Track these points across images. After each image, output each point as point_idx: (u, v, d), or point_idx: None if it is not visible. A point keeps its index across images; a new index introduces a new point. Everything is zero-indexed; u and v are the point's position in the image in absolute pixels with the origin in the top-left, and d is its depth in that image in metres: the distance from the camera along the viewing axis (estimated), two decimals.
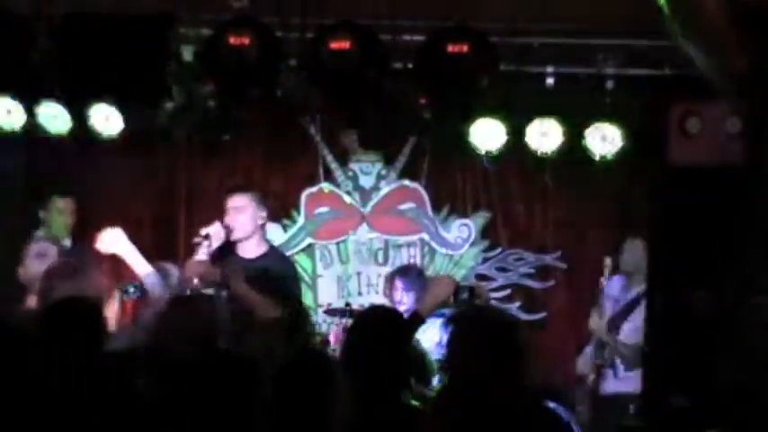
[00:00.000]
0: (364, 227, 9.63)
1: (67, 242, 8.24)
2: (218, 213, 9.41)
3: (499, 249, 9.59)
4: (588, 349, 8.58)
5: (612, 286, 8.43)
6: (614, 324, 8.28)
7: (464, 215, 9.60)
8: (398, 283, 8.24)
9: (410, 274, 8.40)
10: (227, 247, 7.18)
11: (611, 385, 8.34)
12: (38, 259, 6.80)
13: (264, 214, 7.27)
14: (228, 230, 7.12)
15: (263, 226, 7.29)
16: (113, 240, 6.73)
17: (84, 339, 4.68)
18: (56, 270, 6.05)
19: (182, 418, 4.28)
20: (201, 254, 7.00)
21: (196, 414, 4.26)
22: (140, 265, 6.61)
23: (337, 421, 3.97)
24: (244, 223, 7.16)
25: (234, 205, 7.19)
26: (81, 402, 4.20)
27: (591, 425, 8.50)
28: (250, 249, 7.18)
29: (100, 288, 5.96)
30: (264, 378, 4.30)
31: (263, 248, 7.24)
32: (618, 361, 8.30)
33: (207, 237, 7.06)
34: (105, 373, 4.22)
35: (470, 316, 4.27)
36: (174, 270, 7.05)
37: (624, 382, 8.22)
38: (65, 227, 8.31)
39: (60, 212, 8.28)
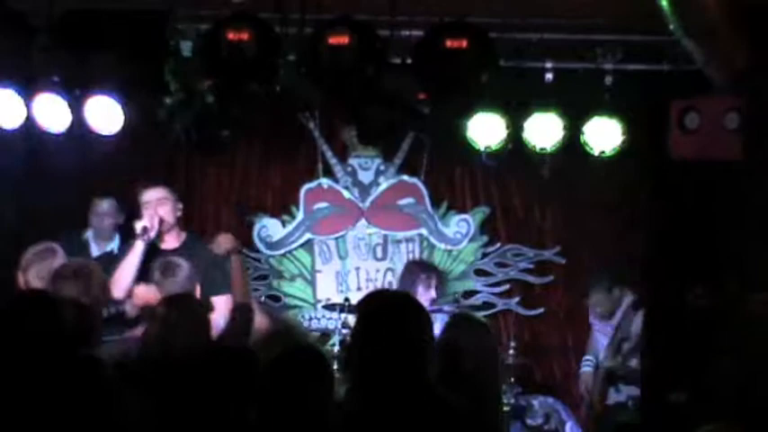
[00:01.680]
0: (363, 222, 9.64)
1: (116, 242, 8.26)
2: (217, 209, 9.49)
3: (498, 245, 9.60)
4: (587, 369, 8.65)
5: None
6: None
7: (463, 210, 9.61)
8: (434, 281, 8.46)
9: (441, 274, 8.70)
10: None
11: (612, 397, 8.38)
12: (43, 262, 6.83)
13: (181, 206, 7.51)
14: (160, 221, 7.32)
15: (180, 219, 7.50)
16: (147, 296, 6.95)
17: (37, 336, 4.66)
18: (59, 272, 6.15)
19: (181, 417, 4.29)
20: (140, 247, 7.18)
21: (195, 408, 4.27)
22: None
23: (328, 416, 3.96)
24: (167, 214, 7.38)
25: (157, 197, 7.40)
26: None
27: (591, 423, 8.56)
28: (171, 241, 7.42)
29: (102, 290, 6.09)
30: (260, 372, 4.32)
31: (182, 238, 7.47)
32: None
33: (146, 230, 7.24)
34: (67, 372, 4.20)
35: (370, 301, 4.10)
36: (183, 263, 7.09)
37: (624, 394, 8.26)
38: (108, 230, 8.32)
39: (102, 217, 8.30)
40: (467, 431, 3.97)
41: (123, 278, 7.17)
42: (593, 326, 8.77)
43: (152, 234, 7.37)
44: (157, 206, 7.50)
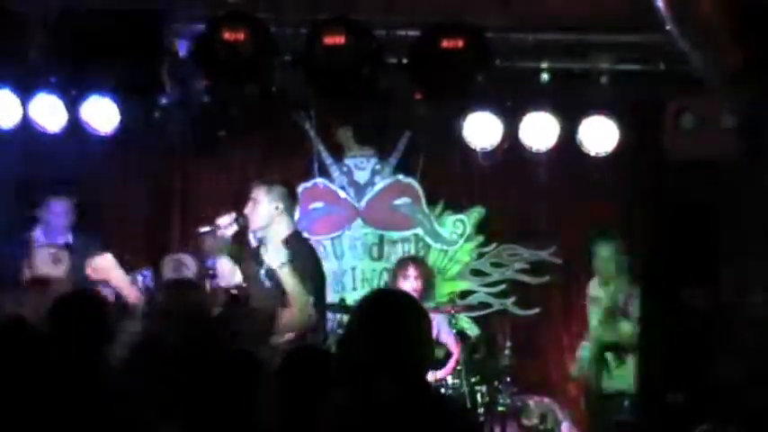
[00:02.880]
0: (359, 222, 9.64)
1: (69, 237, 8.23)
2: (213, 208, 9.45)
3: (494, 245, 9.59)
4: (584, 352, 8.62)
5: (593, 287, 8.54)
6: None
7: (459, 210, 9.61)
8: (412, 271, 8.40)
9: (422, 263, 8.63)
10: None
11: (605, 382, 8.36)
12: (54, 264, 6.85)
13: (280, 205, 7.31)
14: (246, 220, 7.23)
15: (280, 215, 7.34)
16: (105, 267, 6.87)
17: (89, 332, 4.69)
18: None
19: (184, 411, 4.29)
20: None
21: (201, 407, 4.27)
22: (126, 288, 6.77)
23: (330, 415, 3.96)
24: (256, 215, 7.27)
25: (252, 196, 7.32)
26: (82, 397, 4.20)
27: (588, 421, 8.55)
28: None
29: None
30: (268, 374, 4.32)
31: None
32: (609, 357, 8.32)
33: (216, 227, 7.18)
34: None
35: (367, 298, 4.12)
36: (190, 262, 7.06)
37: (617, 379, 8.23)
38: (63, 227, 8.30)
39: (57, 215, 8.26)
40: None
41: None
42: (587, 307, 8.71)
43: (221, 234, 7.25)
44: (250, 205, 7.39)
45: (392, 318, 3.89)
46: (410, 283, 8.27)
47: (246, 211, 7.29)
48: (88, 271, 6.98)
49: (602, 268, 8.39)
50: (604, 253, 8.35)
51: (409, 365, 3.82)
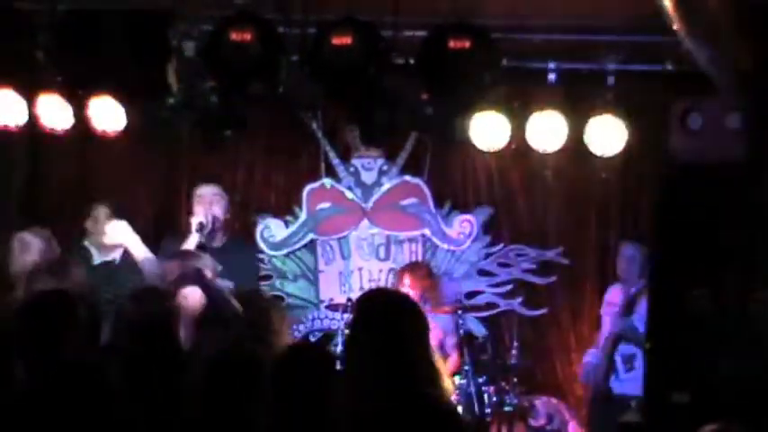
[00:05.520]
0: (366, 222, 9.63)
1: (118, 252, 8.08)
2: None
3: (501, 245, 9.58)
4: (588, 360, 8.61)
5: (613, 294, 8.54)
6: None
7: (466, 211, 9.60)
8: (407, 280, 8.39)
9: (419, 271, 8.59)
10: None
11: (613, 386, 8.35)
12: (22, 253, 6.87)
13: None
14: (215, 219, 7.31)
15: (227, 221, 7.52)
16: (119, 232, 6.95)
17: (58, 332, 4.69)
18: (40, 267, 6.23)
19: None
20: (192, 243, 7.18)
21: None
22: (141, 253, 6.86)
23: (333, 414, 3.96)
24: (221, 213, 7.37)
25: (213, 192, 7.38)
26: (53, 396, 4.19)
27: (594, 423, 8.54)
28: (218, 238, 7.40)
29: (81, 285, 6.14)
30: (266, 375, 4.32)
31: (225, 236, 7.45)
32: (618, 360, 8.32)
33: (202, 226, 7.22)
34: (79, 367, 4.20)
35: (365, 300, 4.15)
36: None
37: (625, 383, 8.22)
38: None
39: (100, 222, 8.17)
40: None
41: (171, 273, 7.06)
42: (603, 315, 8.71)
43: (207, 231, 7.31)
44: (212, 203, 7.44)
45: (384, 318, 3.91)
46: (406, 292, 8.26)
47: (211, 209, 7.43)
48: (104, 238, 7.11)
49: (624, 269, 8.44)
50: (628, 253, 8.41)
51: (403, 366, 3.83)
